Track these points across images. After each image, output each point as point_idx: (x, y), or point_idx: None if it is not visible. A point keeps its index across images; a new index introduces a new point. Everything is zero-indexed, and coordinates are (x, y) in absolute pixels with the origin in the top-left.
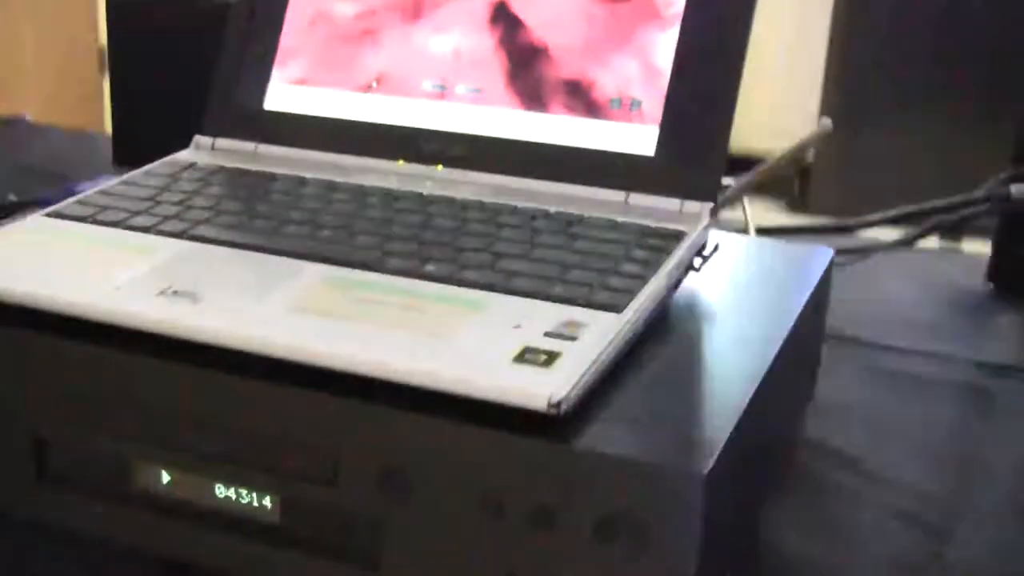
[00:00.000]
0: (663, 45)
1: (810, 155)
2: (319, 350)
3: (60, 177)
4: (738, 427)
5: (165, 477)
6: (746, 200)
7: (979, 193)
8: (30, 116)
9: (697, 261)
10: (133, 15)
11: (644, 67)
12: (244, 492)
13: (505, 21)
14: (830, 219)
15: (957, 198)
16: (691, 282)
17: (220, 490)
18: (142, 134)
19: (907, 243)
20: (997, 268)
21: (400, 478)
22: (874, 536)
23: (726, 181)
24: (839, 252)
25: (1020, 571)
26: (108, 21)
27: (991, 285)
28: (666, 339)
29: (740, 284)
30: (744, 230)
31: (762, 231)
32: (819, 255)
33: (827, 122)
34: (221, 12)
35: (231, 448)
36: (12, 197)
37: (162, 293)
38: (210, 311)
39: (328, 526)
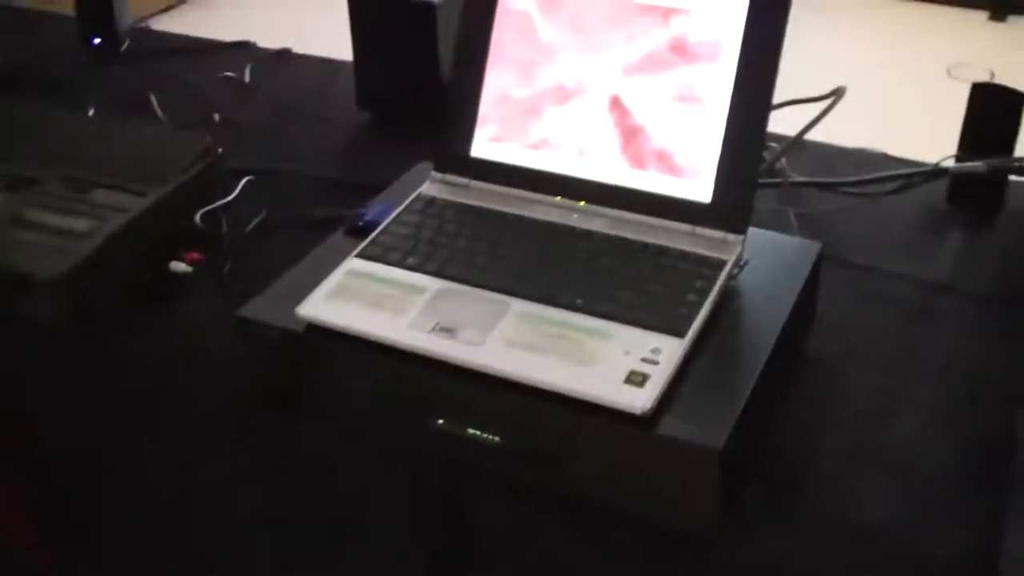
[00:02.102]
0: (716, 132)
1: None
2: (523, 374)
3: (317, 119)
4: (747, 403)
5: (440, 422)
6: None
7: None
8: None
9: (736, 271)
10: (369, 7)
11: (705, 145)
12: (480, 432)
13: (619, 109)
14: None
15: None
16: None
17: (470, 431)
18: (379, 81)
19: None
20: (953, 189)
21: (561, 441)
22: (830, 425)
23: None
24: (850, 195)
25: (941, 452)
26: (350, 10)
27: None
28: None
29: (757, 278)
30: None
31: (797, 184)
32: (810, 247)
33: (842, 87)
34: (428, 6)
35: (475, 414)
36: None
37: (433, 329)
38: (461, 345)
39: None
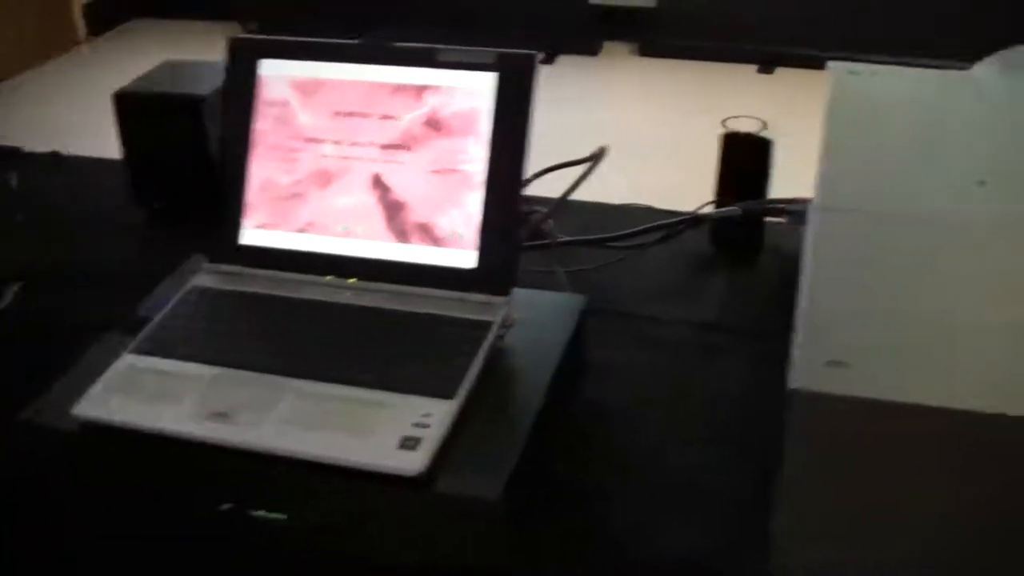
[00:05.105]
0: (475, 201)
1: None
2: (301, 451)
3: (93, 220)
4: (522, 453)
5: (226, 507)
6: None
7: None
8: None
9: (504, 331)
10: (135, 104)
11: (466, 214)
12: (266, 513)
13: (380, 186)
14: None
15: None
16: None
17: (256, 513)
18: (153, 177)
19: (664, 240)
20: (715, 233)
21: (345, 512)
22: (623, 465)
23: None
24: (617, 248)
25: (732, 481)
26: (117, 108)
27: (714, 248)
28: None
29: (526, 336)
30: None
31: (565, 243)
32: (575, 300)
33: (604, 147)
34: (194, 99)
35: (260, 496)
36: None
37: (210, 417)
38: (239, 428)
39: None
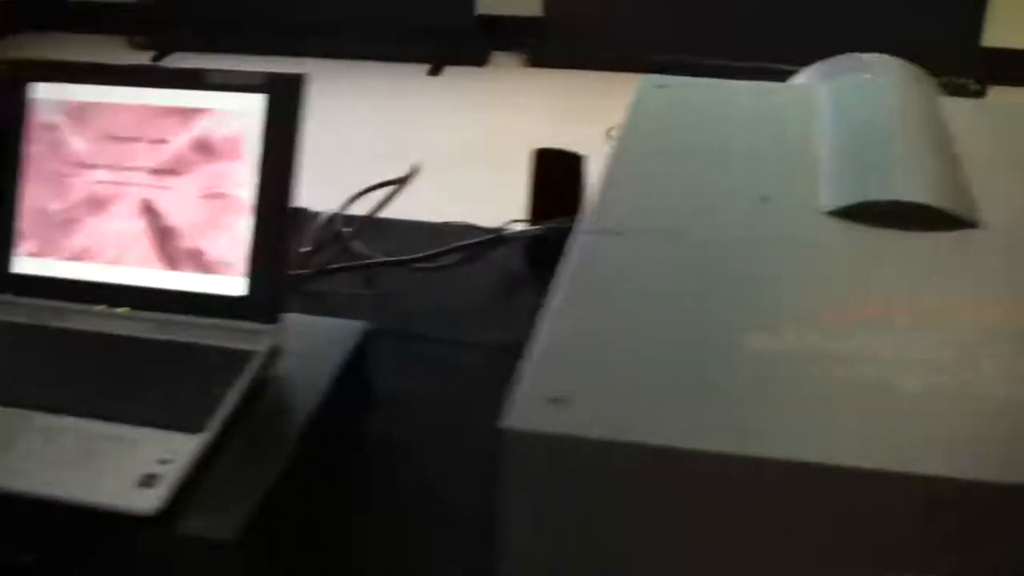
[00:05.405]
0: (244, 226)
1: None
2: (37, 490)
3: None
4: (270, 491)
5: None
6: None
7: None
8: None
9: (271, 361)
10: None
11: (234, 240)
12: (13, 556)
13: (150, 212)
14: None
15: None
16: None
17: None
18: None
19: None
20: (530, 252)
21: (88, 552)
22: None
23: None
24: (425, 269)
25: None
26: None
27: (528, 265)
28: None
29: (297, 365)
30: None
31: (373, 264)
32: (354, 326)
33: (416, 166)
34: None
35: (7, 538)
36: None
37: None
38: None
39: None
